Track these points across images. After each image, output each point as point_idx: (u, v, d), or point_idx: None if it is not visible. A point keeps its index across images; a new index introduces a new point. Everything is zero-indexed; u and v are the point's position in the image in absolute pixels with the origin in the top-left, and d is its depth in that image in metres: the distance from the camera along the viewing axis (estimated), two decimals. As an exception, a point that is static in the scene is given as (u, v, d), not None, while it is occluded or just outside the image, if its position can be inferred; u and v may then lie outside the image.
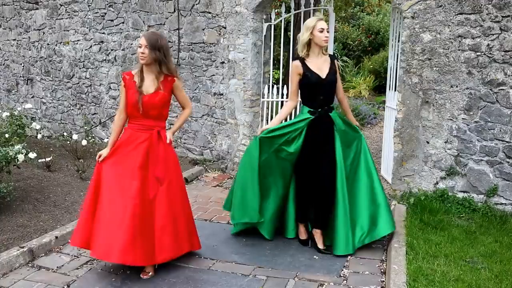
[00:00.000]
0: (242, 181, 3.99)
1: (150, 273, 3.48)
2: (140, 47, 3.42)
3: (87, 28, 7.34)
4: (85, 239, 3.46)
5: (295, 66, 3.87)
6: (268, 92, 6.23)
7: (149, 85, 3.48)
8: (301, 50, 3.85)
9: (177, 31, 6.45)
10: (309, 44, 3.82)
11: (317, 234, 4.00)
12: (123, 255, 3.27)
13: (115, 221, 3.32)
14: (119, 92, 3.55)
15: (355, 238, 3.90)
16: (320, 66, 3.84)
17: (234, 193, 4.09)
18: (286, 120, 4.22)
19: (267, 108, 6.23)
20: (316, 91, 3.85)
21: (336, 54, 13.83)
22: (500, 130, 4.71)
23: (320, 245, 3.97)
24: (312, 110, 3.88)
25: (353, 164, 4.02)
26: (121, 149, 3.51)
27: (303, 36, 3.80)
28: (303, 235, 4.13)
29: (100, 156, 3.54)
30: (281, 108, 6.15)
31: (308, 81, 3.83)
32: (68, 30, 7.57)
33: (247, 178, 3.95)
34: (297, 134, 3.90)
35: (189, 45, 6.41)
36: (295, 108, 5.12)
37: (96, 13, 7.20)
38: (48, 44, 7.85)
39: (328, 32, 3.81)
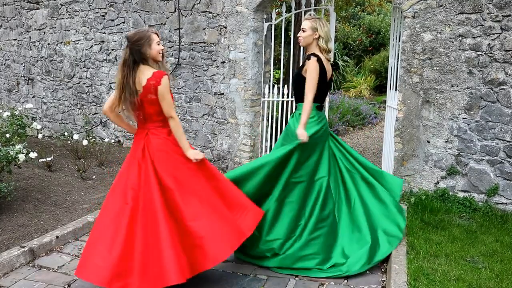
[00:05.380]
0: None
1: None
2: (158, 44, 3.19)
3: (88, 28, 7.34)
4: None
5: None
6: (269, 92, 6.24)
7: None
8: None
9: (178, 30, 6.45)
10: None
11: None
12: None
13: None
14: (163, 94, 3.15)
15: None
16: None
17: None
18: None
19: (268, 107, 6.23)
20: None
21: (336, 54, 13.85)
22: (501, 130, 4.70)
23: None
24: None
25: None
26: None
27: None
28: None
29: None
30: (281, 107, 6.20)
31: None
32: (68, 30, 7.58)
33: None
34: None
35: (189, 44, 6.41)
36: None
37: (96, 13, 7.20)
38: (48, 44, 7.86)
39: (304, 31, 3.70)
